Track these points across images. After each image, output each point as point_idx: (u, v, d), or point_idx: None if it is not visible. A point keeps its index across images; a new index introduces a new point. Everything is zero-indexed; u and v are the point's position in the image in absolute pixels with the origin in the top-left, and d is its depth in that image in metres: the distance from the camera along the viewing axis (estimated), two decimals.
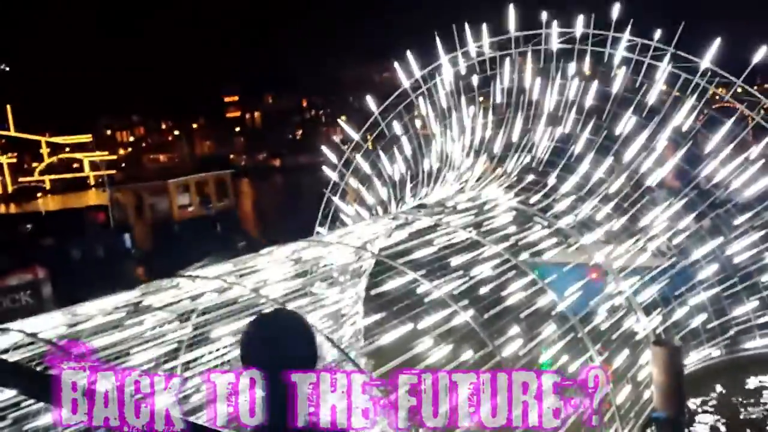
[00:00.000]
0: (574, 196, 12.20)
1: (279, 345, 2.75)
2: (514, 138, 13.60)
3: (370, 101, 16.27)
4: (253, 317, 2.97)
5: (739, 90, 12.16)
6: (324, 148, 16.79)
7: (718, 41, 11.96)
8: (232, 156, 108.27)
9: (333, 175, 16.11)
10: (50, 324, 6.33)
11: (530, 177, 12.72)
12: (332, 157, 16.48)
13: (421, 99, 15.49)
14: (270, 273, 8.21)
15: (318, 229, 15.90)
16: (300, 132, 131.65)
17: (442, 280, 8.33)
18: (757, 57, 12.00)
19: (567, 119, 13.23)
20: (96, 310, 6.88)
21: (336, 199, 15.80)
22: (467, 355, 7.84)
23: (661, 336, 10.83)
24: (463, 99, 14.73)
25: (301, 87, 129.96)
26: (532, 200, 11.95)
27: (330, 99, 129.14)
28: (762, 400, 10.58)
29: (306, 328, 2.87)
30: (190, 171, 31.01)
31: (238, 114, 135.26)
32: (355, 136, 16.12)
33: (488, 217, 10.68)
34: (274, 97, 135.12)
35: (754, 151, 11.74)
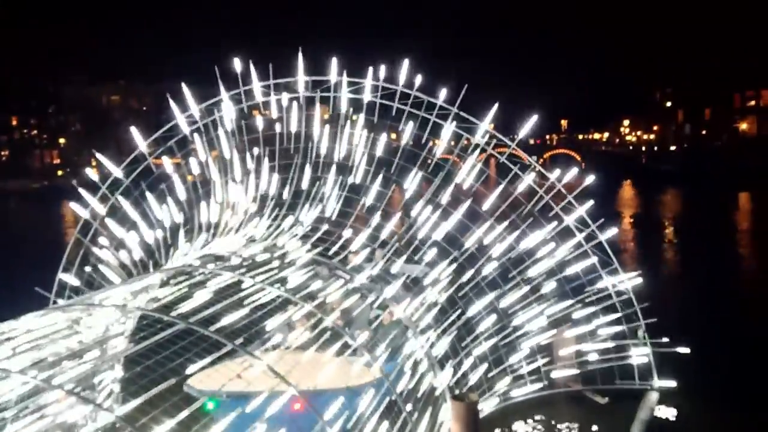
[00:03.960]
0: (368, 249, 12.06)
1: None
2: (304, 186, 13.10)
3: (136, 134, 14.37)
4: None
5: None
6: (74, 183, 14.34)
7: (495, 106, 12.90)
8: None
9: (85, 213, 13.78)
10: None
11: (324, 227, 12.30)
12: (84, 193, 14.09)
13: (197, 136, 14.15)
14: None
15: (62, 275, 13.43)
16: (6, 153, 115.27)
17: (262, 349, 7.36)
18: (525, 129, 13.15)
19: (357, 169, 13.15)
20: None
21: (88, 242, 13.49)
22: None
23: (454, 389, 11.04)
24: (245, 140, 13.84)
25: (10, 102, 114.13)
26: (330, 252, 11.50)
27: (47, 119, 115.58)
28: None
29: None
30: None
31: None
32: (116, 170, 13.96)
33: (291, 272, 9.91)
34: None
35: (525, 209, 12.75)
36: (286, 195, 13.14)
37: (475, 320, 12.09)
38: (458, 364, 11.54)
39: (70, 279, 13.19)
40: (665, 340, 12.71)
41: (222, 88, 13.86)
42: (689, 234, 35.77)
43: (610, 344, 12.54)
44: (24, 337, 7.30)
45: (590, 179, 12.79)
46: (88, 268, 13.09)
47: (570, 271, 12.40)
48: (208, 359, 7.19)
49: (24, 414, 8.88)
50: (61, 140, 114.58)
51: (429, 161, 13.12)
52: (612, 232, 12.70)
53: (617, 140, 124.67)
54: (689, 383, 12.52)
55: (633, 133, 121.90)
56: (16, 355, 6.91)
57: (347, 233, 12.10)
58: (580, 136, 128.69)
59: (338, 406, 7.36)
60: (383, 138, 13.25)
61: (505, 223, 12.62)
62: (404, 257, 12.06)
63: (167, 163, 14.02)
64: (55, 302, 12.66)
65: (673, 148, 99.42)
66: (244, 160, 13.75)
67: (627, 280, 12.53)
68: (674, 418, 11.89)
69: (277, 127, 14.05)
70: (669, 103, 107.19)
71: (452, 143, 13.15)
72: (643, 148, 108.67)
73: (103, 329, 10.02)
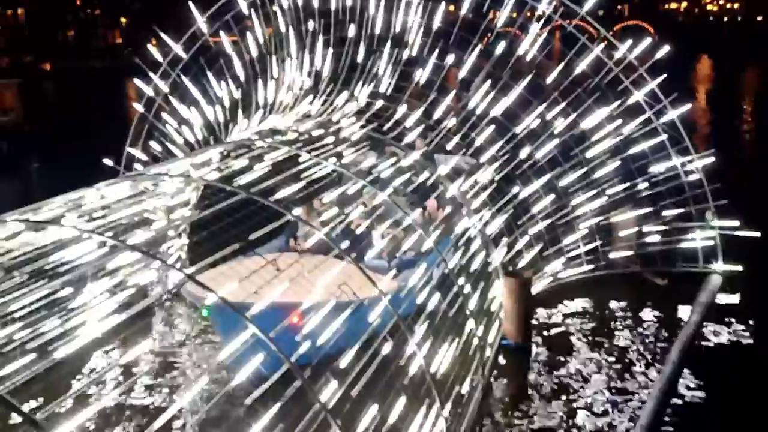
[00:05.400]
0: (423, 126, 11.85)
1: None
2: (359, 60, 12.78)
3: (193, 9, 14.16)
4: None
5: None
6: (138, 61, 14.42)
7: None
8: None
9: (148, 90, 13.97)
10: None
11: (379, 103, 12.09)
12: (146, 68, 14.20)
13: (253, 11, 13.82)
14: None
15: (130, 149, 13.87)
16: (73, 33, 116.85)
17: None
18: None
19: (413, 42, 12.67)
20: None
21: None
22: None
23: (508, 266, 11.11)
24: (301, 14, 13.43)
25: None
26: (385, 128, 11.39)
27: None
28: (590, 318, 11.36)
29: None
30: None
31: None
32: (177, 48, 13.89)
33: (345, 147, 9.89)
34: None
35: (592, 83, 12.09)
36: (340, 70, 12.85)
37: (532, 199, 11.92)
38: (513, 242, 11.54)
39: (137, 153, 13.64)
40: (734, 223, 12.27)
41: None
42: None
43: (675, 226, 12.19)
44: (98, 203, 7.65)
45: (664, 51, 11.94)
46: (153, 143, 13.50)
47: (637, 149, 11.91)
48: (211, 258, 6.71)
49: (100, 275, 9.55)
50: (123, 19, 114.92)
51: (489, 34, 12.47)
52: (685, 107, 12.01)
53: (696, 10, 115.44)
54: (756, 269, 12.09)
55: (715, 2, 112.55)
56: (92, 219, 7.29)
57: (402, 110, 11.85)
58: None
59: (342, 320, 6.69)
60: (441, 7, 12.60)
61: (570, 98, 12.08)
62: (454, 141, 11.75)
63: (225, 41, 13.88)
64: (123, 174, 13.15)
65: (760, 18, 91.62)
66: (300, 35, 13.44)
67: (698, 160, 11.96)
68: (735, 304, 11.62)
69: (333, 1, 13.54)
70: None
71: (514, 14, 12.40)
72: (725, 19, 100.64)
73: (169, 199, 10.44)
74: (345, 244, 7.45)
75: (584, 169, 12.11)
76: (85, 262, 7.85)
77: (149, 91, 13.79)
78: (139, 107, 13.70)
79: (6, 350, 8.49)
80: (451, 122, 12.30)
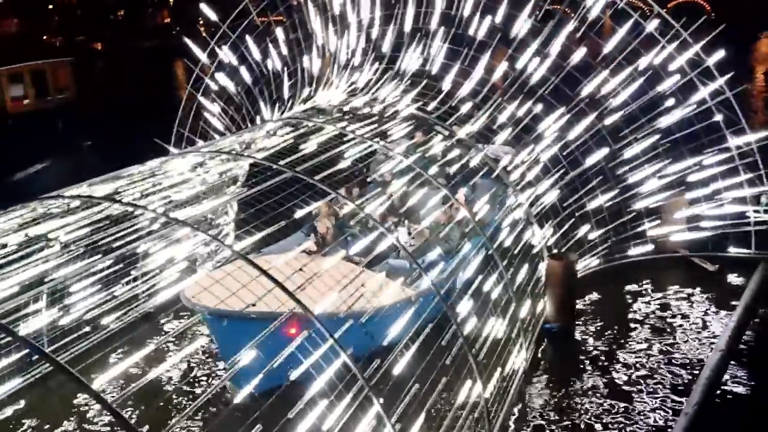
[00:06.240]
0: (470, 104, 11.70)
1: None
2: (405, 38, 12.66)
3: None
4: None
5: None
6: (186, 40, 14.62)
7: None
8: (44, 37, 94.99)
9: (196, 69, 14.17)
10: None
11: (424, 81, 11.99)
12: (194, 47, 14.39)
13: None
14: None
15: (179, 128, 14.12)
16: (122, 12, 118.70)
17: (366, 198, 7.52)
18: None
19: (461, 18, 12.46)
20: None
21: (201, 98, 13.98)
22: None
23: (552, 248, 10.98)
24: None
25: None
26: (430, 107, 11.29)
27: None
28: (636, 303, 11.17)
29: None
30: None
31: None
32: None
33: (390, 126, 9.87)
34: None
35: (643, 61, 11.76)
36: (386, 47, 12.76)
37: (579, 180, 11.71)
38: (559, 224, 11.38)
39: (186, 132, 13.88)
40: None
41: None
42: None
43: (727, 209, 11.83)
44: (148, 180, 7.87)
45: (720, 28, 11.49)
46: (202, 122, 13.73)
47: (690, 129, 11.55)
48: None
49: (156, 249, 9.85)
50: None
51: (537, 12, 12.18)
52: (740, 87, 11.58)
53: None
54: None
55: None
56: (144, 196, 7.51)
57: (447, 87, 11.71)
58: None
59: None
60: None
61: (623, 74, 11.74)
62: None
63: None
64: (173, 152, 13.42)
65: None
66: (345, 12, 13.39)
67: (754, 141, 11.54)
68: None
69: None
70: None
71: None
72: None
73: (217, 176, 10.64)
74: (363, 244, 7.39)
75: (635, 150, 11.80)
76: (137, 236, 8.11)
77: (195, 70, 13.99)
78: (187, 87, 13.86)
79: (63, 323, 8.86)
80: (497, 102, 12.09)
